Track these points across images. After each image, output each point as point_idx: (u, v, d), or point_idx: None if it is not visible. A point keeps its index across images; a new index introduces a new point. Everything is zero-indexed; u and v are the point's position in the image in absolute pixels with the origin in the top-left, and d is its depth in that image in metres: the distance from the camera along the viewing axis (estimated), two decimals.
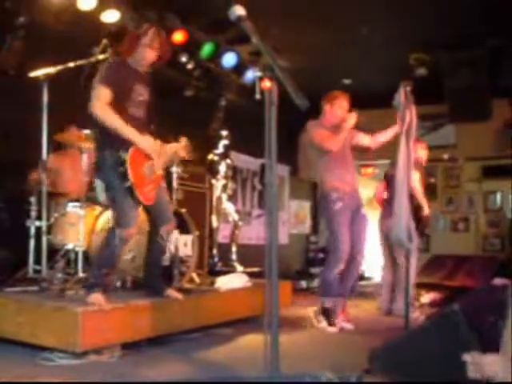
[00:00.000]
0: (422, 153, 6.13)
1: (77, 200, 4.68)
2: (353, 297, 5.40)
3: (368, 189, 8.67)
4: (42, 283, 4.26)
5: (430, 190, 7.58)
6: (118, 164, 3.75)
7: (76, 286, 4.22)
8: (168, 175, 5.13)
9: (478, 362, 2.49)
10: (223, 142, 6.60)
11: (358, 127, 5.14)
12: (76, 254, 4.55)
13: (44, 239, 4.47)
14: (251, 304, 5.00)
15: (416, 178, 6.04)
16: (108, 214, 4.57)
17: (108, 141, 3.82)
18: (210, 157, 6.56)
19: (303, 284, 8.63)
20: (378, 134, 5.23)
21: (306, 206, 10.69)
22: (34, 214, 4.57)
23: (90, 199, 4.71)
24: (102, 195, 4.41)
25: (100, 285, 3.82)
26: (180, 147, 4.55)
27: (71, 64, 4.56)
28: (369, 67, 7.92)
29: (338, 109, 5.09)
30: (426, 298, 6.73)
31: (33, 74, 4.52)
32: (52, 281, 4.33)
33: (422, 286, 6.84)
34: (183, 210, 5.04)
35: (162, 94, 5.64)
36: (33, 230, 4.54)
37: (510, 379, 2.42)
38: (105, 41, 4.68)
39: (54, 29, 5.44)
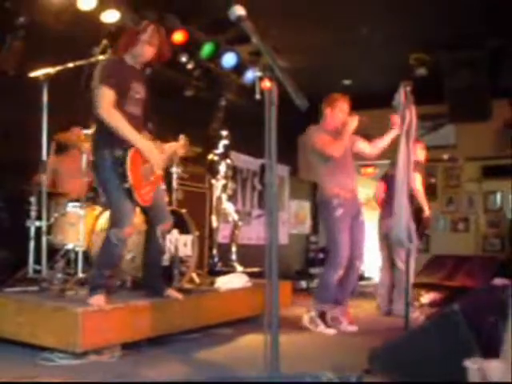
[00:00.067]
0: (421, 153, 6.13)
1: (77, 200, 4.68)
2: (353, 297, 5.40)
3: (368, 189, 8.69)
4: (42, 283, 4.26)
5: (430, 190, 7.59)
6: (117, 164, 3.75)
7: (76, 286, 4.22)
8: (168, 175, 5.14)
9: (480, 368, 2.49)
10: (223, 142, 6.60)
11: (360, 129, 5.13)
12: (76, 254, 4.55)
13: (44, 239, 4.47)
14: (251, 304, 5.00)
15: (417, 180, 6.05)
16: (108, 214, 4.57)
17: (107, 140, 3.81)
18: (210, 157, 6.56)
19: (303, 284, 8.64)
20: (376, 140, 5.21)
21: (305, 206, 10.68)
22: (33, 214, 4.57)
23: (90, 199, 4.71)
24: None
25: (102, 286, 3.82)
26: (179, 146, 4.56)
27: (71, 64, 4.56)
28: (369, 67, 7.93)
29: (339, 112, 5.06)
30: (426, 298, 6.73)
31: (33, 74, 4.52)
32: (52, 281, 4.33)
33: (422, 286, 6.85)
34: (183, 210, 5.03)
35: (162, 93, 5.65)
36: (33, 230, 4.54)
37: (510, 380, 2.42)
38: (105, 41, 4.68)
39: (54, 29, 5.45)
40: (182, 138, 4.59)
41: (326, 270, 5.03)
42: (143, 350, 3.87)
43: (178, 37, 6.58)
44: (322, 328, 4.89)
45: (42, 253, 4.42)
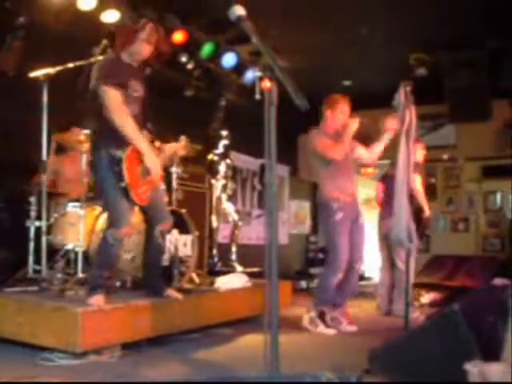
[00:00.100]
0: (420, 153, 6.13)
1: (77, 200, 4.68)
2: (352, 297, 5.40)
3: (368, 189, 8.69)
4: (42, 283, 4.26)
5: (430, 190, 7.59)
6: (114, 163, 3.75)
7: (76, 287, 4.22)
8: (168, 175, 5.14)
9: (480, 371, 2.49)
10: (223, 142, 6.60)
11: (361, 131, 5.12)
12: (76, 254, 4.54)
13: (44, 239, 4.47)
14: (251, 304, 5.00)
15: (417, 181, 6.06)
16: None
17: (105, 140, 3.81)
18: (210, 157, 6.56)
19: (303, 284, 8.64)
20: (373, 145, 5.20)
21: (305, 206, 10.69)
22: (33, 214, 4.56)
23: (89, 199, 4.71)
24: None
25: (102, 286, 3.82)
26: (180, 147, 4.56)
27: (71, 64, 4.56)
28: (369, 67, 7.92)
29: (340, 114, 5.04)
30: (426, 298, 6.73)
31: (33, 75, 4.52)
32: (52, 281, 4.33)
33: (422, 286, 6.85)
34: (183, 210, 5.03)
35: (162, 93, 5.65)
36: (33, 230, 4.54)
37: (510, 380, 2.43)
38: (105, 41, 4.68)
39: (53, 29, 5.44)
40: (183, 139, 4.59)
41: (326, 272, 5.04)
42: (143, 350, 3.87)
43: (178, 37, 6.58)
44: (321, 328, 4.89)
45: (41, 253, 4.42)
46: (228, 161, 6.64)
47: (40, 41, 5.27)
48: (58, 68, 4.53)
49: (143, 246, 4.29)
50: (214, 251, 6.53)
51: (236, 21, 2.63)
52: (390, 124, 5.01)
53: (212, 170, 6.54)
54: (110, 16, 5.82)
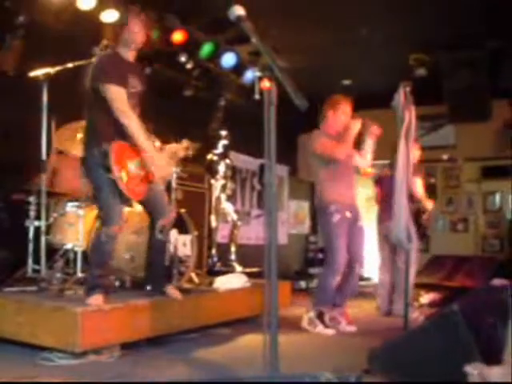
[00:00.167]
0: (416, 153, 6.13)
1: (76, 200, 4.67)
2: (352, 298, 5.40)
3: (368, 189, 8.68)
4: (41, 283, 4.26)
5: (430, 191, 7.57)
6: (103, 158, 3.74)
7: (75, 286, 4.22)
8: None
9: (481, 373, 2.49)
10: (222, 142, 6.59)
11: (364, 132, 5.12)
12: (75, 253, 4.54)
13: (43, 239, 4.47)
14: (250, 304, 5.00)
15: (418, 184, 6.07)
16: None
17: (97, 138, 3.81)
18: (210, 157, 6.55)
19: (302, 284, 8.63)
20: (363, 151, 5.19)
21: (305, 206, 10.69)
22: (33, 213, 4.56)
23: (89, 199, 4.70)
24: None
25: (99, 286, 3.81)
26: (180, 148, 4.55)
27: (71, 64, 4.55)
28: (369, 67, 7.92)
29: (342, 115, 5.03)
30: (426, 298, 6.73)
31: (32, 74, 4.52)
32: (51, 281, 4.33)
33: (422, 287, 6.85)
34: (182, 210, 5.03)
35: (162, 93, 5.65)
36: (32, 230, 4.53)
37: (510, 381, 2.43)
38: (105, 41, 4.67)
39: (53, 28, 5.44)
40: (185, 142, 4.59)
41: (325, 273, 5.04)
42: (142, 350, 3.87)
43: (178, 37, 6.57)
44: (320, 328, 4.89)
45: (41, 252, 4.42)
46: (227, 161, 6.63)
47: (40, 40, 5.27)
48: (58, 68, 4.53)
49: (146, 245, 4.28)
50: (213, 251, 6.52)
51: (235, 21, 2.63)
52: (376, 130, 5.04)
53: (211, 170, 6.53)
54: (110, 16, 5.81)
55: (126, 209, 4.72)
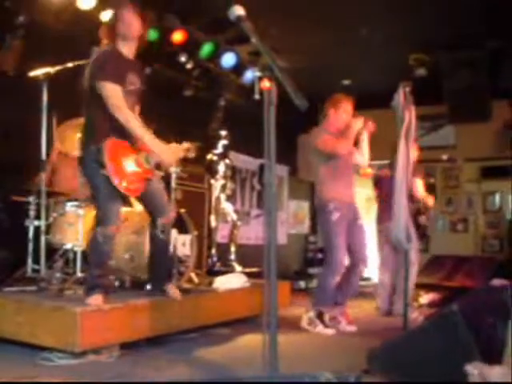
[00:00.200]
0: (414, 153, 6.12)
1: (76, 199, 4.67)
2: (352, 298, 5.40)
3: (367, 189, 8.68)
4: (41, 283, 4.26)
5: (430, 191, 7.57)
6: (97, 155, 3.73)
7: (74, 286, 4.22)
8: (167, 175, 5.13)
9: (482, 373, 2.49)
10: (222, 142, 6.59)
11: (366, 131, 5.13)
12: (75, 253, 4.54)
13: (43, 239, 4.47)
14: (250, 304, 5.00)
15: (419, 185, 6.07)
16: None
17: (94, 136, 3.79)
18: (209, 157, 6.55)
19: (302, 284, 8.63)
20: (360, 148, 5.20)
21: (304, 206, 10.68)
22: (32, 213, 4.56)
23: (88, 199, 4.70)
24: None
25: (99, 286, 3.80)
26: (180, 149, 4.54)
27: (71, 64, 4.55)
28: (369, 67, 7.92)
29: (343, 113, 5.04)
30: (425, 298, 6.73)
31: (32, 74, 4.52)
32: (51, 280, 4.33)
33: (421, 287, 6.84)
34: (182, 210, 5.03)
35: (162, 93, 5.65)
36: (32, 230, 4.53)
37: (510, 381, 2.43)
38: (105, 41, 4.67)
39: (53, 28, 5.45)
40: (187, 144, 4.58)
41: (324, 273, 5.05)
42: (142, 350, 3.87)
43: (178, 37, 6.58)
44: (320, 328, 4.89)
45: (40, 252, 4.42)
46: (227, 161, 6.63)
47: (40, 40, 5.27)
48: (58, 67, 4.53)
49: (149, 244, 4.27)
50: (213, 251, 6.52)
51: (235, 21, 2.63)
52: (371, 126, 5.05)
53: (211, 170, 6.53)
54: (110, 15, 5.81)
55: (126, 209, 4.74)
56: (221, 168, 6.55)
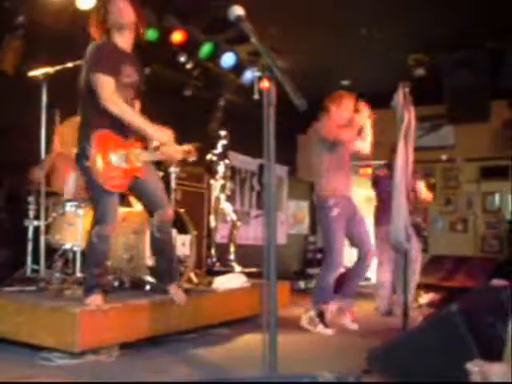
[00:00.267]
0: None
1: (75, 200, 4.67)
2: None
3: (367, 189, 8.69)
4: (40, 283, 4.26)
5: (430, 191, 7.57)
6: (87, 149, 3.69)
7: (74, 286, 4.21)
8: (166, 175, 5.13)
9: (482, 370, 2.48)
10: (222, 142, 6.60)
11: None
12: (74, 253, 4.54)
13: (42, 239, 4.47)
14: (249, 304, 5.00)
15: (421, 186, 6.08)
16: None
17: (88, 132, 3.74)
18: (209, 157, 6.55)
19: (301, 284, 8.62)
20: (363, 133, 5.20)
21: (304, 207, 10.69)
22: (32, 213, 4.56)
23: (88, 199, 4.69)
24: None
25: (98, 286, 3.79)
26: (181, 149, 4.53)
27: (70, 64, 4.55)
28: (368, 67, 7.92)
29: (345, 110, 5.05)
30: (425, 298, 6.73)
31: (32, 74, 4.52)
32: (50, 280, 4.33)
33: (421, 287, 6.84)
34: (181, 210, 5.03)
35: (161, 93, 5.64)
36: (31, 230, 4.53)
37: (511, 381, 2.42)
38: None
39: (53, 28, 5.45)
40: (188, 146, 4.57)
41: (323, 270, 5.06)
42: (141, 350, 3.86)
43: (177, 37, 6.58)
44: (320, 328, 4.89)
45: (40, 252, 4.42)
46: (227, 161, 6.64)
47: (39, 40, 5.28)
48: (58, 67, 4.53)
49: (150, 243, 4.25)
50: (213, 251, 6.53)
51: (235, 21, 2.62)
52: (369, 113, 5.08)
53: (211, 170, 6.54)
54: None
55: (125, 209, 4.74)
56: (220, 168, 6.56)
